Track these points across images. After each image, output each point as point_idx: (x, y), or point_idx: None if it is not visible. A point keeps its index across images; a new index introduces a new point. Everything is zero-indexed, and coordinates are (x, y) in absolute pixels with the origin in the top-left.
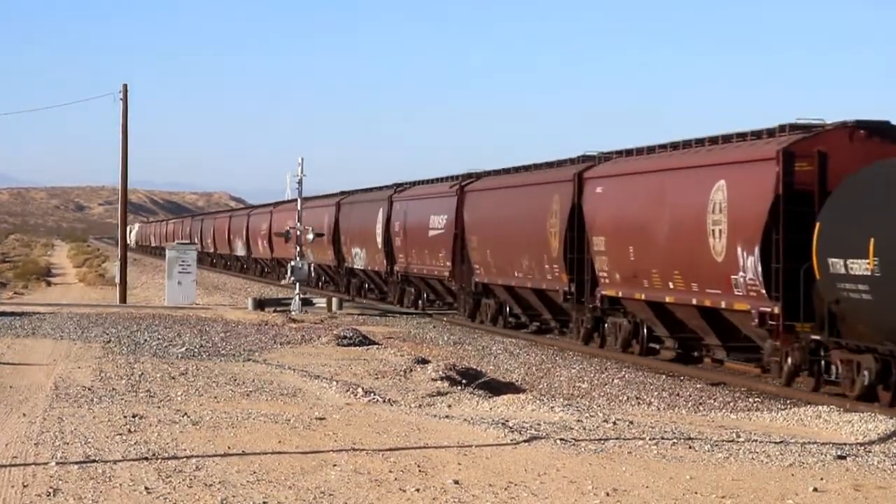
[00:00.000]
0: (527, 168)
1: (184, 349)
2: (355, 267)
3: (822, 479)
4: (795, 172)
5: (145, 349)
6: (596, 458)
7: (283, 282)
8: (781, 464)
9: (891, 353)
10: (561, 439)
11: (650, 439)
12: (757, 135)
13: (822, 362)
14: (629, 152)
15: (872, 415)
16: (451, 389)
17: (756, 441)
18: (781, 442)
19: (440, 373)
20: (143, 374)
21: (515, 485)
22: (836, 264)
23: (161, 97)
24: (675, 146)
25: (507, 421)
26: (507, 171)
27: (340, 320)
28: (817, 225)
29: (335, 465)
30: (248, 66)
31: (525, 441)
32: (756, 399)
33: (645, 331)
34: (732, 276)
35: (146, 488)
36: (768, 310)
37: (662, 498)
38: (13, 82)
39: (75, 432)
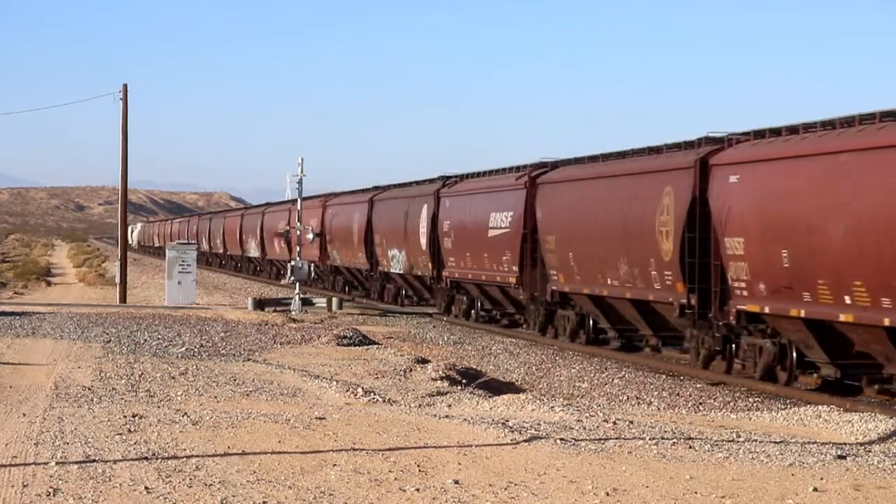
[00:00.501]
0: (620, 154)
1: (184, 349)
2: (392, 271)
3: (822, 479)
4: None
5: (145, 349)
6: (596, 457)
7: (283, 282)
8: (781, 464)
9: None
10: (561, 439)
11: (650, 439)
12: None
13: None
14: (775, 132)
15: (872, 415)
16: (451, 389)
17: (756, 441)
18: (781, 442)
19: (440, 373)
20: (143, 374)
21: (515, 485)
22: None
23: (161, 97)
24: (848, 122)
25: (507, 421)
26: (592, 158)
27: (340, 320)
28: None
29: (335, 465)
30: (248, 67)
31: (525, 441)
32: (756, 399)
33: (795, 354)
34: None
35: (146, 488)
36: None
37: (662, 498)
38: (13, 82)
39: (75, 432)
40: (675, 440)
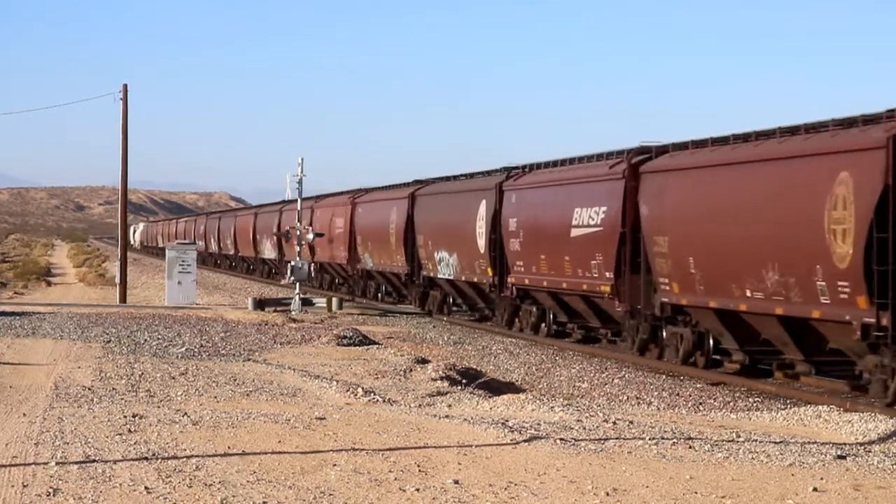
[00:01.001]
0: (742, 138)
1: (184, 349)
2: (438, 276)
3: (822, 479)
4: None
5: (145, 349)
6: (596, 457)
7: (283, 281)
8: (781, 464)
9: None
10: (561, 439)
11: (650, 439)
12: None
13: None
14: None
15: (872, 415)
16: (451, 389)
17: (756, 441)
18: (781, 442)
19: (440, 373)
20: (143, 374)
21: (515, 485)
22: None
23: (161, 97)
24: None
25: (507, 421)
26: (717, 141)
27: (340, 320)
28: None
29: (335, 465)
30: (248, 67)
31: (525, 441)
32: (756, 399)
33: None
34: None
35: (146, 488)
36: None
37: (662, 498)
38: (13, 82)
39: (75, 432)
40: (675, 440)
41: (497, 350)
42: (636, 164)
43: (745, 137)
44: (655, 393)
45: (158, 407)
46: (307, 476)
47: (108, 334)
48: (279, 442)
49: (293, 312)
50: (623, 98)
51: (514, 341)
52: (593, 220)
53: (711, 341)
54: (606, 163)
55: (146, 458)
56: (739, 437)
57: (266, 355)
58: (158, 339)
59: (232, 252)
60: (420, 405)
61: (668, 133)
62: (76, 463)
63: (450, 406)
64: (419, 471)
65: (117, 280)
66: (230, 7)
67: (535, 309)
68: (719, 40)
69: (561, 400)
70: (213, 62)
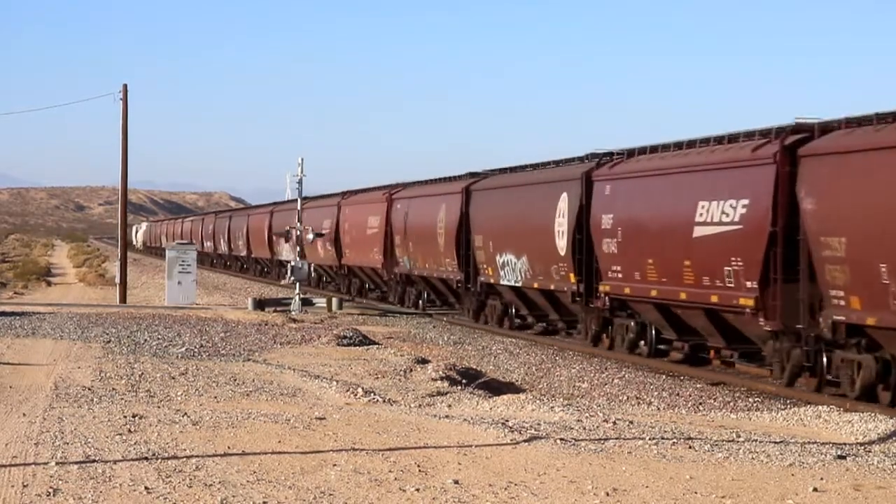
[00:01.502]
0: None
1: (184, 349)
2: (501, 283)
3: (822, 479)
4: None
5: (145, 349)
6: (596, 457)
7: (283, 282)
8: (781, 464)
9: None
10: (561, 439)
11: (650, 439)
12: None
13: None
14: None
15: (872, 415)
16: (451, 389)
17: (756, 441)
18: (781, 442)
19: (440, 373)
20: (143, 374)
21: (515, 485)
22: None
23: (161, 97)
24: None
25: (507, 421)
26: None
27: (340, 320)
28: None
29: (335, 465)
30: (248, 67)
31: (525, 441)
32: (756, 399)
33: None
34: None
35: (146, 488)
36: None
37: (662, 498)
38: (13, 82)
39: (75, 432)
40: (675, 440)
41: (497, 350)
42: (792, 145)
43: None
44: (655, 393)
45: (158, 407)
46: (307, 476)
47: (108, 334)
48: (279, 442)
49: (293, 312)
50: (623, 98)
51: (514, 341)
52: (728, 216)
53: None
54: (745, 145)
55: (146, 458)
56: (739, 437)
57: (266, 355)
58: (158, 339)
59: (244, 253)
60: (420, 405)
61: (671, 132)
62: (76, 463)
63: (450, 406)
64: (419, 471)
65: (117, 280)
66: (230, 7)
67: (632, 323)
68: (719, 41)
69: (561, 400)
70: (213, 62)
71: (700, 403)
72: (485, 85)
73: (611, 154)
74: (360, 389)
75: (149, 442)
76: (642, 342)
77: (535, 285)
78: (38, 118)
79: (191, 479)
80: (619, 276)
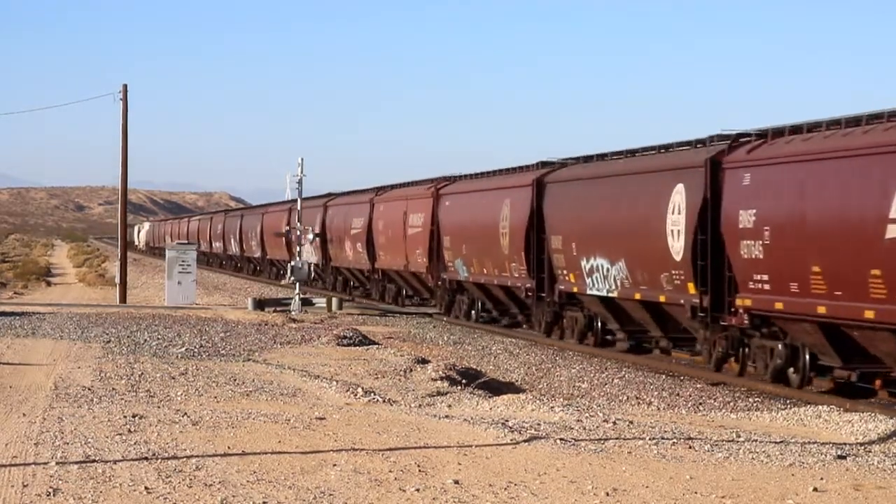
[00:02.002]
0: None
1: (184, 349)
2: (589, 292)
3: (822, 479)
4: None
5: (145, 349)
6: (596, 458)
7: (283, 282)
8: (781, 464)
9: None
10: (561, 439)
11: (650, 439)
12: None
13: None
14: None
15: (872, 415)
16: (451, 389)
17: (756, 441)
18: (781, 442)
19: (440, 373)
20: (143, 374)
21: (515, 485)
22: None
23: (161, 97)
24: None
25: (506, 421)
26: None
27: (340, 320)
28: None
29: (335, 465)
30: (248, 67)
31: (525, 441)
32: (756, 399)
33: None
34: None
35: (146, 488)
36: None
37: (662, 498)
38: (13, 82)
39: (75, 432)
40: (675, 440)
41: (497, 350)
42: None
43: None
44: (655, 393)
45: (158, 407)
46: (307, 476)
47: (107, 334)
48: (279, 442)
49: (293, 312)
50: (623, 98)
51: (514, 341)
52: None
53: None
54: None
55: (146, 458)
56: (739, 437)
57: (266, 355)
58: (158, 339)
59: (258, 255)
60: (420, 405)
61: (671, 132)
62: (76, 463)
63: (450, 406)
64: (419, 471)
65: (117, 280)
66: (230, 7)
67: (779, 347)
68: (719, 40)
69: (561, 400)
70: (213, 62)
71: (700, 403)
72: (485, 86)
73: (745, 135)
74: (360, 389)
75: (149, 442)
76: (791, 370)
77: (637, 296)
78: (38, 118)
79: (191, 479)
80: (767, 287)
